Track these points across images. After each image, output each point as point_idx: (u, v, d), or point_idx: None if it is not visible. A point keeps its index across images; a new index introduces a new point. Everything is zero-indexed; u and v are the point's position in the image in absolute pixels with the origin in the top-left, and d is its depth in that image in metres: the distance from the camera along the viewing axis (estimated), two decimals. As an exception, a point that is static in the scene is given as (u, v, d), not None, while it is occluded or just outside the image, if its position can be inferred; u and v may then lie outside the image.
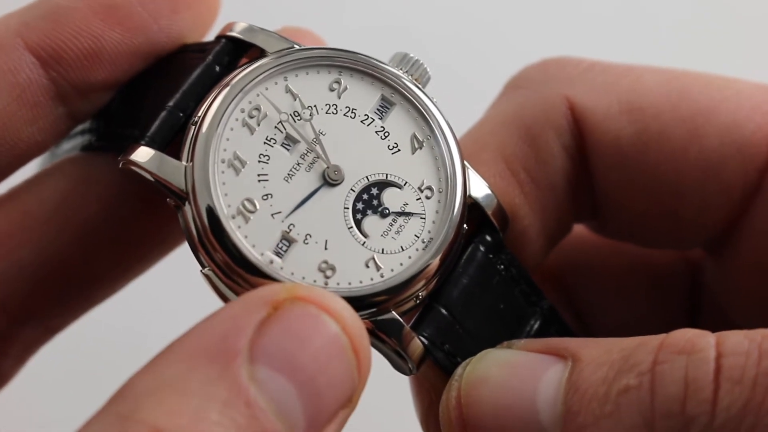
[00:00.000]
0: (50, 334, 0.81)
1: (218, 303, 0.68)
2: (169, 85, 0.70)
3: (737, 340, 0.61)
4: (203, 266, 0.67)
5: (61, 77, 0.71)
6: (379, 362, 0.69)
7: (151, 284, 0.81)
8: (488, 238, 0.72)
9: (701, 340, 0.62)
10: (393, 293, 0.67)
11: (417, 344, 0.68)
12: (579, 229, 0.80)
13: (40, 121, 0.72)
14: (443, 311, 0.69)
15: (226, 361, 0.57)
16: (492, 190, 0.72)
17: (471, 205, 0.71)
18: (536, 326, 0.73)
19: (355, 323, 0.60)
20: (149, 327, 1.22)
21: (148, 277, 0.79)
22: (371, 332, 0.67)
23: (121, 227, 0.77)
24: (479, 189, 0.71)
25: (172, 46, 0.73)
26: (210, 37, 0.75)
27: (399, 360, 0.68)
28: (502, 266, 0.72)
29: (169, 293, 1.15)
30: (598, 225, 0.79)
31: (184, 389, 0.56)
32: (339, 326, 0.59)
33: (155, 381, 0.57)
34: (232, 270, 0.66)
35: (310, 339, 0.58)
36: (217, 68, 0.71)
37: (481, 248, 0.71)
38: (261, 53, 0.71)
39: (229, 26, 0.72)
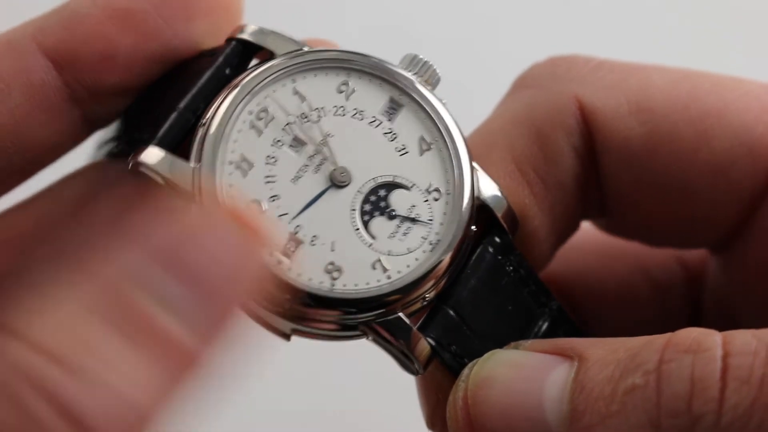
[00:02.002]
0: None
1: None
2: (180, 87, 0.71)
3: (745, 339, 0.61)
4: None
5: (75, 80, 0.72)
6: (384, 363, 0.70)
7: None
8: (497, 239, 0.72)
9: (708, 339, 0.62)
10: (400, 295, 0.67)
11: (424, 345, 0.68)
12: (580, 235, 0.80)
13: (54, 123, 0.72)
14: (451, 312, 0.69)
15: (102, 274, 0.54)
16: (502, 192, 0.72)
17: (480, 207, 0.71)
18: (545, 327, 0.73)
19: (253, 217, 0.58)
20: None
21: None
22: (378, 333, 0.68)
23: None
24: (488, 190, 0.71)
25: (188, 52, 0.73)
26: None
27: (406, 361, 0.69)
28: (511, 267, 0.72)
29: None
30: (605, 223, 0.80)
31: (51, 307, 0.54)
32: (231, 219, 0.57)
33: (22, 303, 0.54)
34: None
35: (199, 234, 0.56)
36: (227, 70, 0.71)
37: (490, 249, 0.71)
38: (270, 55, 0.71)
39: (239, 28, 0.73)
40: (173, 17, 0.72)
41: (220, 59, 0.71)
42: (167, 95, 0.72)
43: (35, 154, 0.73)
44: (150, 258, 0.55)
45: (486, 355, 0.68)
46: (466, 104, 0.81)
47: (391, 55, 0.74)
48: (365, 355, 0.72)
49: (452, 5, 1.46)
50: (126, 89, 0.73)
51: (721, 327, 0.64)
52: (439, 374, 0.71)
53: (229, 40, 0.73)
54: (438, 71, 0.73)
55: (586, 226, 0.81)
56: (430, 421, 0.75)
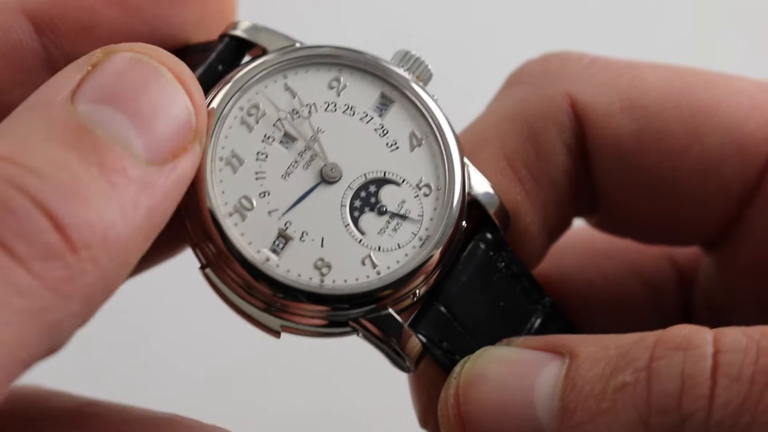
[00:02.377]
0: None
1: (216, 299, 0.68)
2: None
3: (735, 336, 0.61)
4: (202, 264, 0.68)
5: (54, 46, 0.71)
6: (376, 360, 0.70)
7: (152, 281, 0.81)
8: (489, 235, 0.72)
9: (698, 336, 0.62)
10: (390, 291, 0.67)
11: (415, 342, 0.68)
12: (570, 235, 0.80)
13: (29, 86, 0.72)
14: (442, 309, 0.69)
15: (46, 106, 0.60)
16: (493, 189, 0.72)
17: (471, 203, 0.71)
18: (537, 323, 0.73)
19: (172, 58, 0.63)
20: (149, 323, 1.22)
21: (150, 275, 0.79)
22: (368, 330, 0.68)
23: None
24: (480, 187, 0.71)
25: (175, 39, 0.73)
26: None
27: (397, 358, 0.68)
28: (502, 264, 0.72)
29: (170, 290, 1.15)
30: (597, 220, 0.79)
31: (4, 134, 0.59)
32: (155, 61, 0.62)
33: None
34: (230, 268, 0.66)
35: (130, 75, 0.61)
36: (220, 67, 0.71)
37: (482, 246, 0.71)
38: (263, 51, 0.71)
39: (232, 25, 0.73)
40: None
41: (213, 55, 0.71)
42: None
43: (4, 115, 0.73)
44: (89, 94, 0.60)
45: (477, 352, 0.68)
46: (459, 100, 0.81)
47: (385, 52, 0.74)
48: (358, 353, 0.72)
49: (446, 3, 1.46)
50: None
51: (712, 324, 0.64)
52: (430, 371, 0.71)
53: (222, 36, 0.72)
54: (430, 67, 0.73)
55: (578, 225, 0.81)
56: (423, 418, 0.75)
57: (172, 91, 0.62)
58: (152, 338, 1.22)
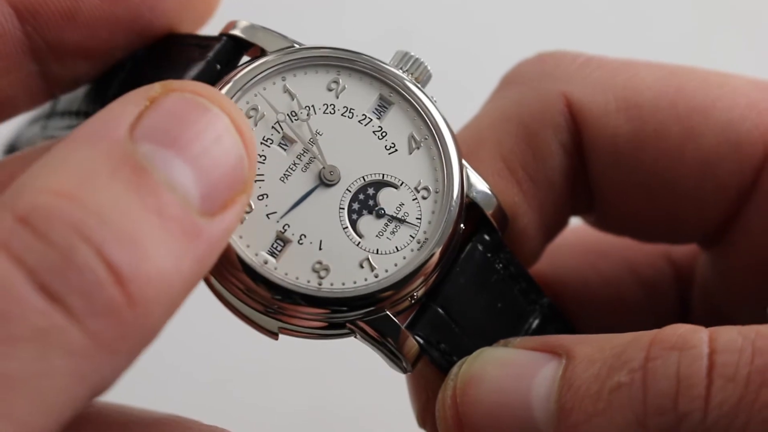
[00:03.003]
0: None
1: (215, 301, 0.69)
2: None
3: (730, 336, 0.61)
4: None
5: (36, 33, 0.71)
6: (375, 360, 0.70)
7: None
8: (486, 237, 0.72)
9: (693, 336, 0.62)
10: (388, 293, 0.67)
11: (412, 343, 0.69)
12: (566, 235, 0.81)
13: (10, 74, 0.72)
14: (440, 310, 0.70)
15: (106, 140, 0.58)
16: (491, 190, 0.72)
17: (469, 205, 0.71)
18: (535, 324, 0.73)
19: (233, 105, 0.61)
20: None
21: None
22: (365, 332, 0.68)
23: None
24: (478, 188, 0.71)
25: (159, 27, 0.73)
26: (211, 30, 0.75)
27: (394, 359, 0.69)
28: (500, 265, 0.72)
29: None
30: (594, 219, 0.80)
31: (63, 167, 0.57)
32: (217, 107, 0.61)
33: (31, 171, 0.58)
34: (228, 270, 0.66)
35: (189, 118, 0.60)
36: (218, 66, 0.71)
37: (480, 247, 0.72)
38: (261, 52, 0.71)
39: (231, 24, 0.73)
40: None
41: (211, 55, 0.71)
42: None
43: None
44: (149, 134, 0.58)
45: (475, 353, 0.68)
46: (458, 100, 0.82)
47: (385, 51, 0.74)
48: (358, 353, 0.72)
49: (445, 3, 1.46)
50: (88, 52, 0.73)
51: (709, 323, 0.64)
52: (428, 372, 0.71)
53: (221, 35, 0.73)
54: (429, 68, 0.73)
55: (574, 223, 0.81)
56: (421, 419, 0.75)
57: (230, 141, 0.60)
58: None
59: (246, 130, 0.61)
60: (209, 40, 0.72)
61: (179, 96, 0.60)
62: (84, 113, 0.76)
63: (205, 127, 0.60)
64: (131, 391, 0.73)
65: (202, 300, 0.69)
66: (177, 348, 1.22)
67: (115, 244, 0.55)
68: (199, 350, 1.24)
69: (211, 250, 0.59)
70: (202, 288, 0.69)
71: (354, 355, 0.71)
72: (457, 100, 0.82)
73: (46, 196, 0.56)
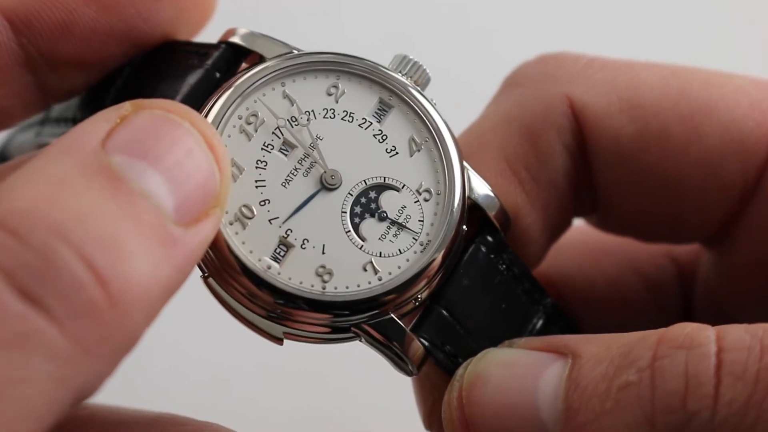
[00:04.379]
0: None
1: (217, 305, 0.68)
2: (167, 87, 0.71)
3: (738, 334, 0.61)
4: (204, 272, 0.68)
5: (31, 45, 0.71)
6: (378, 360, 0.70)
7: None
8: (489, 238, 0.72)
9: (701, 335, 0.62)
10: (392, 296, 0.67)
11: (417, 346, 0.68)
12: (570, 234, 0.80)
13: (6, 86, 0.72)
14: (444, 312, 0.69)
15: (80, 152, 0.58)
16: (494, 192, 0.72)
17: (472, 206, 0.71)
18: (539, 324, 0.73)
19: (203, 121, 0.62)
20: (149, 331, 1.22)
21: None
22: (370, 335, 0.68)
23: None
24: (480, 190, 0.71)
25: (154, 36, 0.73)
26: (209, 37, 0.75)
27: (400, 362, 0.69)
28: (504, 266, 0.72)
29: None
30: (597, 220, 0.80)
31: (39, 177, 0.57)
32: (187, 122, 0.61)
33: (7, 182, 0.57)
34: (231, 276, 0.66)
35: (161, 132, 0.60)
36: (217, 74, 0.71)
37: (483, 248, 0.71)
38: (260, 59, 0.71)
39: (231, 32, 0.73)
40: None
41: (209, 63, 0.71)
42: (151, 92, 0.72)
43: None
44: (122, 147, 0.59)
45: (480, 354, 0.68)
46: (460, 103, 0.81)
47: (385, 55, 0.74)
48: (360, 353, 0.72)
49: (445, 5, 1.46)
50: (83, 63, 0.73)
51: (713, 322, 0.64)
52: (434, 375, 0.71)
53: (220, 43, 0.72)
54: (428, 71, 0.73)
55: (578, 224, 0.81)
56: (427, 421, 0.75)
57: (202, 155, 0.61)
58: (151, 339, 1.22)
59: (217, 145, 0.62)
60: (208, 48, 0.72)
61: (150, 113, 0.61)
62: (79, 120, 0.76)
63: (176, 141, 0.60)
64: (131, 392, 0.73)
65: (202, 301, 0.69)
66: (177, 349, 1.22)
67: (96, 246, 0.55)
68: (199, 351, 1.24)
69: (187, 260, 0.59)
70: (202, 289, 0.69)
71: (356, 356, 0.70)
72: (458, 102, 0.82)
73: (23, 201, 0.56)
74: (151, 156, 0.59)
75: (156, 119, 0.61)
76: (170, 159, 0.59)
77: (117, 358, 0.57)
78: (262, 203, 0.67)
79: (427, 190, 0.70)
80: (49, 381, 0.54)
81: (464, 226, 0.70)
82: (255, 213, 0.67)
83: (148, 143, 0.59)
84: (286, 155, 0.69)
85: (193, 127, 0.61)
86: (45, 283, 0.54)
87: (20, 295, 0.54)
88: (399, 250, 0.68)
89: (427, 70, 0.73)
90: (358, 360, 0.74)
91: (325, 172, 0.69)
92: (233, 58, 0.72)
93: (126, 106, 0.61)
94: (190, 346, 1.23)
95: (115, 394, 0.71)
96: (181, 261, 0.59)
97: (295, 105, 0.70)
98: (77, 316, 0.54)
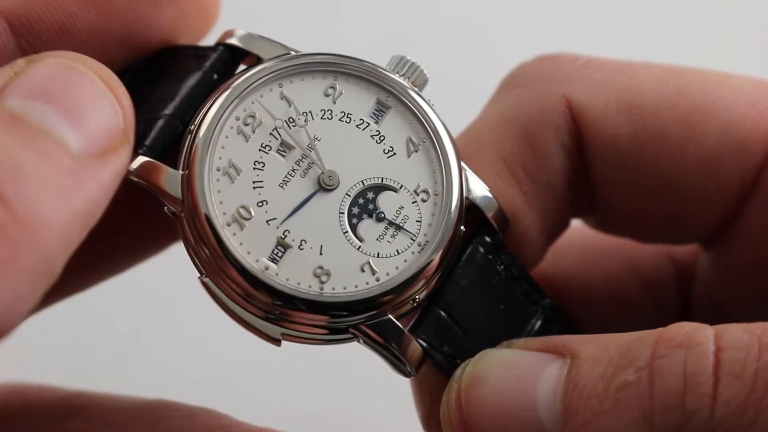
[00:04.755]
0: None
1: (214, 305, 0.69)
2: (166, 90, 0.71)
3: (737, 333, 0.61)
4: (201, 273, 0.68)
5: (30, 47, 0.71)
6: (377, 360, 0.70)
7: (151, 281, 0.81)
8: (487, 238, 0.72)
9: (699, 334, 0.62)
10: (389, 297, 0.67)
11: (415, 347, 0.68)
12: (568, 235, 0.80)
13: None
14: (442, 313, 0.69)
15: None
16: (491, 193, 0.72)
17: (469, 207, 0.71)
18: (538, 325, 0.73)
19: (97, 63, 0.64)
20: (148, 324, 1.23)
21: (150, 279, 0.79)
22: (368, 336, 0.68)
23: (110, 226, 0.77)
24: (478, 190, 0.71)
25: (154, 41, 0.73)
26: (209, 40, 0.75)
27: (398, 363, 0.69)
28: (502, 266, 0.72)
29: (169, 291, 1.16)
30: (595, 220, 0.80)
31: None
32: (81, 65, 0.63)
33: None
34: (228, 277, 0.66)
35: (58, 76, 0.62)
36: (215, 76, 0.71)
37: (481, 249, 0.71)
38: (258, 60, 0.72)
39: (228, 34, 0.73)
40: (138, 0, 0.72)
41: (208, 65, 0.71)
42: (149, 95, 0.72)
43: None
44: (19, 92, 0.61)
45: (478, 355, 0.68)
46: (458, 103, 0.81)
47: (384, 54, 0.74)
48: (360, 352, 0.72)
49: (444, 4, 1.47)
50: None
51: (711, 321, 0.64)
52: (432, 376, 0.71)
53: (217, 45, 0.72)
54: (425, 72, 0.73)
55: (576, 224, 0.81)
56: (426, 422, 0.75)
57: (100, 93, 0.63)
58: (151, 339, 1.23)
59: (115, 84, 0.64)
60: (206, 50, 0.72)
61: (43, 62, 0.63)
62: None
63: (72, 81, 0.62)
64: (132, 391, 0.73)
65: (202, 300, 0.69)
66: (177, 349, 1.22)
67: None
68: (199, 350, 1.24)
69: (101, 192, 0.61)
70: (201, 290, 0.69)
71: (357, 355, 0.70)
72: (458, 102, 0.82)
73: None
74: (49, 97, 0.61)
75: (51, 66, 0.62)
76: (68, 98, 0.61)
77: (33, 279, 0.58)
78: (260, 204, 0.67)
79: (425, 191, 0.70)
80: None
81: (462, 227, 0.70)
82: (253, 214, 0.67)
83: (45, 86, 0.61)
84: (283, 156, 0.69)
85: (88, 69, 0.63)
86: None
87: None
88: (397, 250, 0.68)
89: (425, 71, 0.73)
90: (359, 359, 0.74)
91: (322, 172, 0.69)
92: (231, 59, 0.72)
93: (19, 62, 0.63)
94: (191, 345, 1.23)
95: (116, 392, 0.71)
96: (92, 192, 0.60)
97: (292, 106, 0.70)
98: None
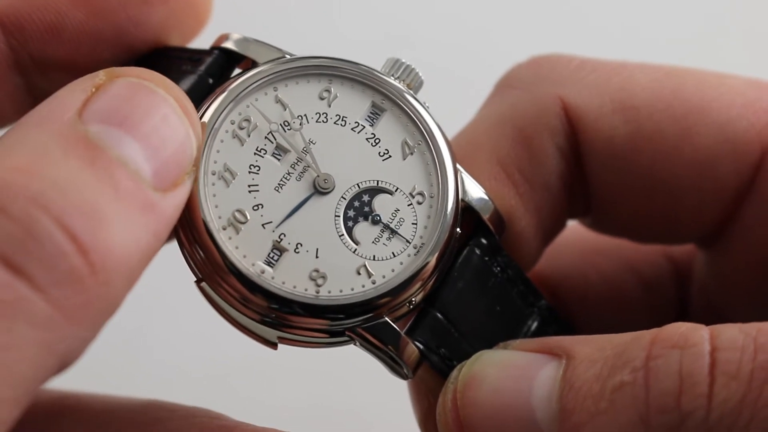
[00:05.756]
0: None
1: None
2: None
3: (732, 334, 0.61)
4: (197, 277, 0.68)
5: (21, 47, 0.72)
6: (378, 366, 0.70)
7: (150, 281, 0.82)
8: (484, 240, 0.72)
9: (695, 334, 0.62)
10: (385, 300, 0.67)
11: (412, 349, 0.68)
12: (565, 234, 0.80)
13: None
14: (438, 315, 0.70)
15: (56, 122, 0.59)
16: (487, 195, 0.72)
17: (465, 209, 0.71)
18: (534, 326, 0.73)
19: (176, 87, 0.63)
20: (148, 322, 1.23)
21: (149, 278, 0.79)
22: (365, 339, 0.68)
23: None
24: (473, 192, 0.71)
25: (145, 41, 0.73)
26: (204, 43, 0.75)
27: (395, 365, 0.69)
28: (498, 268, 0.72)
29: (168, 290, 1.16)
30: (591, 221, 0.80)
31: (16, 148, 0.58)
32: (162, 89, 0.62)
33: None
34: (225, 281, 0.66)
35: (136, 100, 0.61)
36: (210, 80, 0.71)
37: (477, 251, 0.71)
38: (253, 64, 0.72)
39: (224, 37, 0.73)
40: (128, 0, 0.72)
41: (203, 68, 0.71)
42: None
43: None
44: (98, 116, 0.60)
45: (474, 356, 0.68)
46: (454, 104, 0.81)
47: (385, 55, 0.74)
48: (359, 351, 0.72)
49: (444, 5, 1.47)
50: (73, 66, 0.73)
51: (708, 321, 0.64)
52: (429, 378, 0.71)
53: (213, 48, 0.73)
54: (421, 74, 0.73)
55: (573, 225, 0.81)
56: (423, 424, 0.75)
57: (177, 121, 0.62)
58: (151, 338, 1.23)
59: (191, 111, 0.63)
60: (201, 54, 0.73)
61: (124, 81, 0.62)
62: None
63: (152, 107, 0.61)
64: (132, 391, 0.73)
65: (201, 299, 0.69)
66: (176, 347, 1.22)
67: (75, 214, 0.56)
68: (199, 348, 1.24)
69: (165, 225, 0.61)
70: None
71: (356, 353, 0.70)
72: (455, 101, 0.82)
73: (2, 172, 0.56)
74: (127, 123, 0.60)
75: (131, 87, 0.61)
76: (146, 126, 0.60)
77: (99, 323, 0.58)
78: (256, 208, 0.67)
79: (420, 193, 0.70)
80: (33, 347, 0.55)
81: (458, 229, 0.70)
82: (248, 218, 0.67)
83: (124, 111, 0.60)
84: (279, 159, 0.69)
85: (168, 94, 0.62)
86: (27, 252, 0.55)
87: (3, 265, 0.55)
88: (392, 253, 0.68)
89: (420, 74, 0.73)
90: (358, 357, 0.74)
91: (318, 176, 0.69)
92: (226, 63, 0.72)
93: (100, 75, 0.62)
94: (191, 343, 1.23)
95: (116, 391, 0.71)
96: (158, 226, 0.60)
97: (287, 109, 0.70)
98: (60, 283, 0.55)
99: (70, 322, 0.56)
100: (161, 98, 0.62)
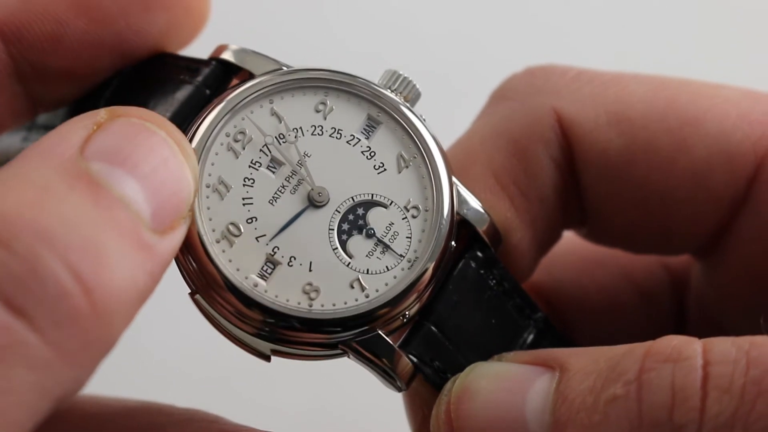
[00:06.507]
0: None
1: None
2: (157, 103, 0.71)
3: (724, 347, 0.61)
4: (191, 288, 0.68)
5: (21, 56, 0.72)
6: (373, 378, 0.70)
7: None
8: (479, 253, 0.72)
9: (688, 348, 0.62)
10: (378, 313, 0.67)
11: (406, 363, 0.68)
12: (563, 244, 0.80)
13: None
14: (433, 328, 0.70)
15: (58, 158, 0.59)
16: (483, 208, 0.72)
17: (461, 222, 0.71)
18: (530, 339, 0.73)
19: (177, 131, 0.63)
20: (148, 324, 1.23)
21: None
22: (358, 352, 0.68)
23: None
24: (469, 205, 0.71)
25: (146, 48, 0.73)
26: (202, 52, 0.75)
27: (389, 378, 0.69)
28: (494, 281, 0.72)
29: (168, 291, 1.16)
30: (587, 232, 0.80)
31: (20, 182, 0.58)
32: (163, 131, 0.62)
33: None
34: (218, 294, 0.66)
35: (137, 140, 0.61)
36: (207, 91, 0.71)
37: (473, 264, 0.71)
38: (250, 75, 0.72)
39: (221, 48, 0.73)
40: (129, 8, 0.72)
41: (200, 80, 0.71)
42: (143, 107, 0.72)
43: None
44: (100, 154, 0.60)
45: (468, 369, 0.68)
46: (459, 112, 0.81)
47: (385, 63, 0.74)
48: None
49: (443, 12, 1.47)
50: (73, 74, 0.73)
51: (706, 332, 0.64)
52: (424, 391, 0.71)
53: (210, 59, 0.73)
54: (418, 87, 0.73)
55: (569, 235, 0.81)
56: (418, 436, 0.75)
57: (176, 164, 0.62)
58: (152, 339, 1.23)
59: (191, 155, 0.63)
60: (199, 64, 0.73)
61: (126, 121, 0.62)
62: None
63: (152, 149, 0.61)
64: (133, 391, 0.73)
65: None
66: (176, 348, 1.23)
67: (80, 253, 0.56)
68: (201, 350, 1.24)
69: (161, 267, 0.60)
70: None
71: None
72: (448, 113, 0.82)
73: (6, 205, 0.56)
74: (129, 163, 0.60)
75: (132, 127, 0.61)
76: (147, 167, 0.60)
77: (96, 363, 0.58)
78: (249, 221, 0.67)
79: (415, 207, 0.70)
80: (30, 391, 0.54)
81: (453, 242, 0.70)
82: (242, 231, 0.67)
83: (125, 150, 0.60)
84: (273, 172, 0.69)
85: (169, 136, 0.62)
86: (30, 292, 0.55)
87: (4, 305, 0.54)
88: (386, 267, 0.68)
89: (417, 86, 0.73)
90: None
91: (312, 189, 0.69)
92: (223, 74, 0.72)
93: (101, 113, 0.62)
94: (191, 345, 1.23)
95: (115, 392, 0.71)
96: (155, 267, 0.60)
97: (282, 122, 0.70)
98: (60, 324, 0.55)
99: (69, 365, 0.56)
100: (162, 140, 0.62)
